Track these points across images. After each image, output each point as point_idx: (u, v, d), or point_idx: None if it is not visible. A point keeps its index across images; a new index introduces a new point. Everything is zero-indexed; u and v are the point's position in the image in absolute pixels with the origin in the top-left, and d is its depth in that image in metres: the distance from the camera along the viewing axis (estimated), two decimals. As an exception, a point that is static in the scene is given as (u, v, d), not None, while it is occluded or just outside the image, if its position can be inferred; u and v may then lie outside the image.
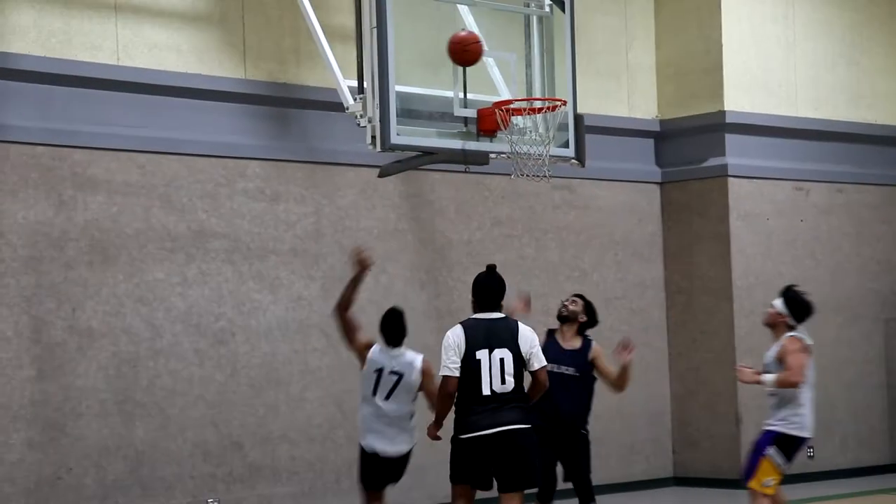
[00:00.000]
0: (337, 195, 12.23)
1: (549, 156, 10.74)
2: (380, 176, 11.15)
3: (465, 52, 10.25)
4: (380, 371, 9.00)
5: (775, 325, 9.26)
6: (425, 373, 9.05)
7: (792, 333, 9.17)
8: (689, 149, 14.55)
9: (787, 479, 14.19)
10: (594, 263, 14.06)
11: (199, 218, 11.47)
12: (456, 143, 10.58)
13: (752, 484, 9.10)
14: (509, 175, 13.08)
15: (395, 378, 8.99)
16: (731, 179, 14.31)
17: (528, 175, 10.53)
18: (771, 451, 9.08)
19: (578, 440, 9.56)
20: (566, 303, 9.75)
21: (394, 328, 9.11)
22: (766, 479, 9.07)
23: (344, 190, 12.28)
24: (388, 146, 10.15)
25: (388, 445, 9.02)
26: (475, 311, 8.46)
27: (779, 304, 9.26)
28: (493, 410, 8.21)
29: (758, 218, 14.50)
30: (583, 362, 9.45)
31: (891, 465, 15.23)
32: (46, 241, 10.67)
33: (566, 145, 11.39)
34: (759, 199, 14.52)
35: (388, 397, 8.99)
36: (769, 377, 9.06)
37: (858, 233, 15.34)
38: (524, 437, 8.25)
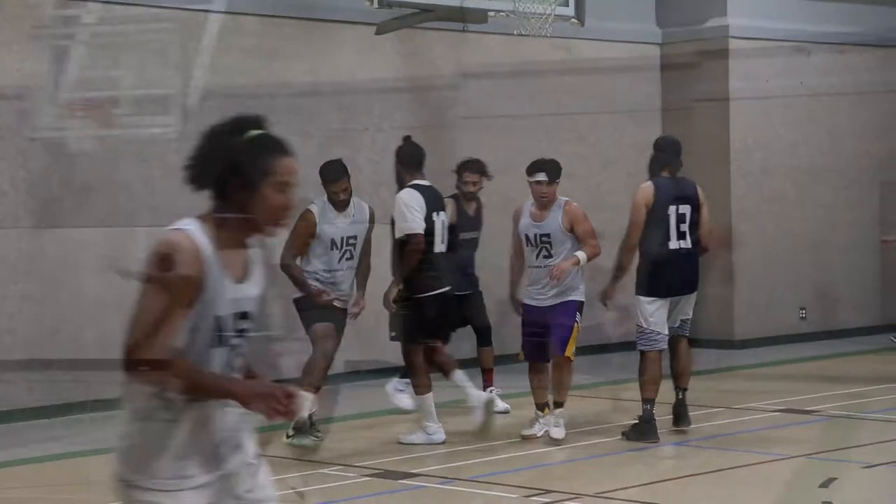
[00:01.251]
0: (334, 52, 12.12)
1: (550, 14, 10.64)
2: (377, 33, 11.06)
3: None
4: None
5: (552, 199, 9.08)
6: None
7: (566, 199, 9.11)
8: (689, 9, 14.38)
9: (780, 340, 14.51)
10: (591, 124, 13.99)
11: (194, 74, 11.37)
12: (454, 0, 10.46)
13: (569, 353, 9.03)
14: (508, 34, 13.05)
15: None
16: (731, 40, 14.18)
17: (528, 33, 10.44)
18: (579, 318, 9.08)
19: (477, 286, 10.70)
20: (474, 183, 10.39)
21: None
22: (574, 346, 9.07)
23: (341, 47, 12.17)
24: (385, 2, 10.05)
25: None
26: (407, 179, 8.99)
27: (543, 176, 9.06)
28: (442, 269, 9.02)
29: (757, 79, 14.40)
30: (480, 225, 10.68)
31: (882, 325, 15.36)
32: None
33: (566, 4, 11.27)
34: (759, 59, 14.40)
35: None
36: (583, 256, 8.99)
37: (858, 95, 15.25)
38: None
